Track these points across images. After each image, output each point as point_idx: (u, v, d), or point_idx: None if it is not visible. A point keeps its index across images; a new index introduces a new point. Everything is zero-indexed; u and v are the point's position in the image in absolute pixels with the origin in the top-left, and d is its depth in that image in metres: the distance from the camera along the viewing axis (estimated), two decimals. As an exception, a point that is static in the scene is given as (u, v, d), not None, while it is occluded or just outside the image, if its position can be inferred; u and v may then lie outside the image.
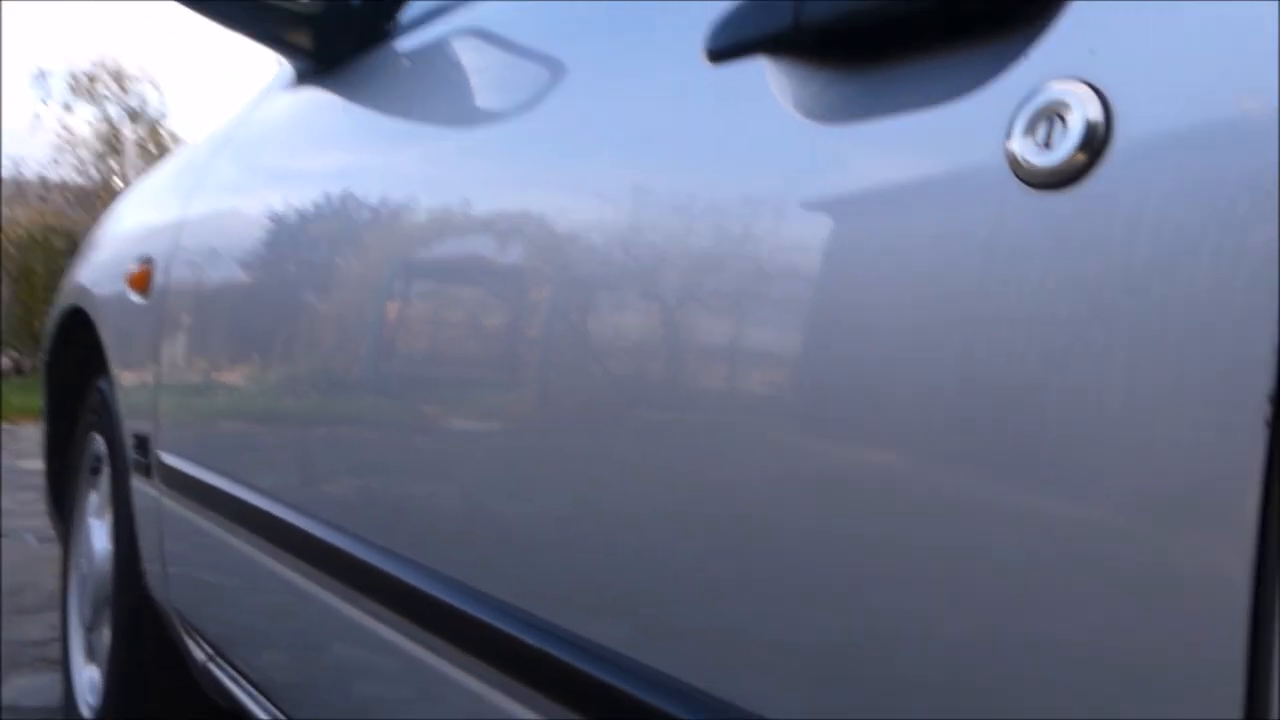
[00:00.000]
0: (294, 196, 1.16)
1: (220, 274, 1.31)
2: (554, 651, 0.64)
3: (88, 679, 1.76)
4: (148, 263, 1.50)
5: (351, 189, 1.03)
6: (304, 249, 1.11)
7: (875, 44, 0.53)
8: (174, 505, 1.32)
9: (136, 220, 1.73)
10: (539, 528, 0.70)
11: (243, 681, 1.24)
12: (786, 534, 0.51)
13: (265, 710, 1.17)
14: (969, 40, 0.48)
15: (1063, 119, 0.41)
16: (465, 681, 0.74)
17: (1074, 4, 0.43)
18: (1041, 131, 0.42)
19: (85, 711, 1.69)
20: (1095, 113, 0.40)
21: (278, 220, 1.18)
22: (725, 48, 0.59)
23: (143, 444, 1.43)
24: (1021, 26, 0.45)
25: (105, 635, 1.68)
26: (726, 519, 0.55)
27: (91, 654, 1.77)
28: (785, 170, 0.54)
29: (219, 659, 1.30)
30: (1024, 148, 0.42)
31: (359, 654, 0.93)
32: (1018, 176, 0.42)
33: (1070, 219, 0.40)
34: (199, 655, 1.34)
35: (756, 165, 0.56)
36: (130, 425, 1.51)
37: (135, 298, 1.50)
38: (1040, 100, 0.42)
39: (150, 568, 1.44)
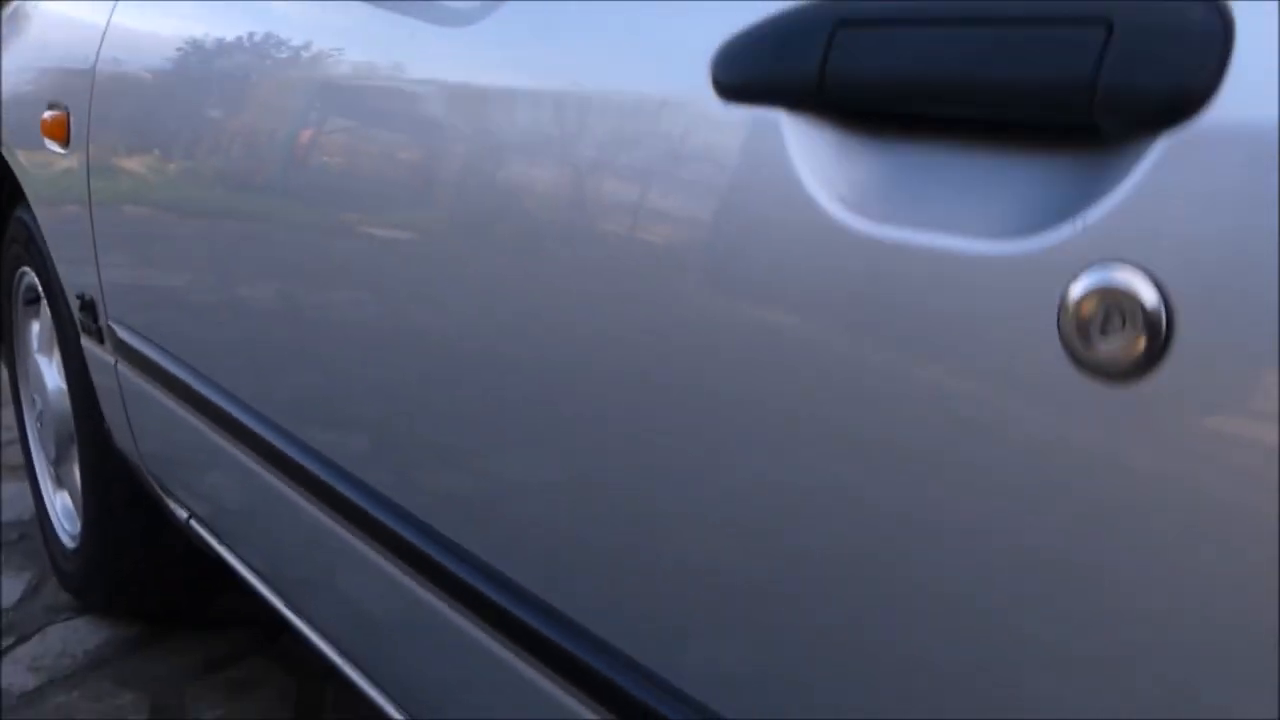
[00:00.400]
0: (235, 24, 1.06)
1: (150, 118, 1.22)
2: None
3: (60, 505, 1.79)
4: (60, 108, 1.38)
5: (293, 23, 0.96)
6: (254, 88, 1.03)
7: (913, 115, 0.49)
8: (136, 380, 1.30)
9: (46, 37, 1.57)
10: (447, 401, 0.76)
11: (224, 541, 1.28)
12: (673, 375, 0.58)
13: (244, 565, 1.22)
14: (1021, 145, 0.46)
15: (1121, 310, 0.40)
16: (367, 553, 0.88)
17: (1172, 154, 0.40)
18: (1098, 314, 0.40)
19: (66, 540, 1.73)
20: (1156, 312, 0.39)
21: (219, 54, 1.09)
22: (736, 86, 0.54)
23: (89, 308, 1.38)
24: (1083, 162, 0.43)
25: (74, 470, 1.69)
26: (618, 359, 0.61)
27: (61, 482, 1.79)
28: (788, 255, 0.52)
29: (198, 517, 1.34)
30: (1075, 327, 0.41)
31: (317, 539, 0.99)
32: (1069, 353, 0.42)
33: (1125, 417, 0.40)
34: (180, 514, 1.37)
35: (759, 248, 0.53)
36: (69, 279, 1.45)
37: (54, 147, 1.40)
38: (1095, 280, 0.40)
39: (117, 431, 1.44)
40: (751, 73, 0.53)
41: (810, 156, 0.51)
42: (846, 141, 0.51)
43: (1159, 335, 0.39)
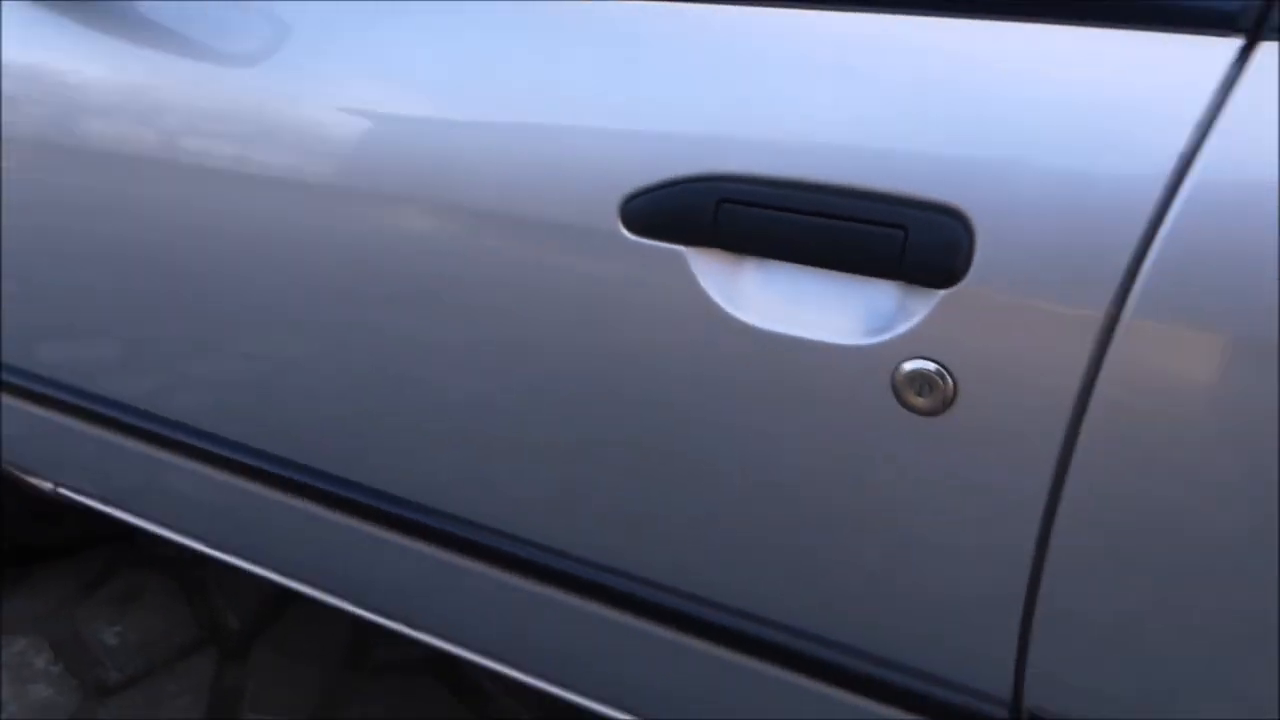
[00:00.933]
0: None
1: None
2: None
3: None
4: None
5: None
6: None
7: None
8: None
9: None
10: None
11: (90, 496, 1.45)
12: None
13: (116, 510, 1.43)
14: (860, 278, 0.76)
15: (928, 383, 0.74)
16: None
17: (945, 303, 0.72)
18: (915, 384, 0.74)
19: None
20: (949, 384, 0.73)
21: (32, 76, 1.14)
22: (644, 226, 0.80)
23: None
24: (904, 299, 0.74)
25: None
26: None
27: None
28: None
29: (64, 484, 1.47)
30: (903, 388, 0.75)
31: (169, 478, 1.28)
32: (899, 402, 0.75)
33: (932, 439, 0.75)
34: (46, 486, 1.49)
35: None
36: None
37: None
38: (915, 366, 0.74)
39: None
40: (658, 221, 0.79)
41: (709, 273, 0.79)
42: (737, 266, 0.79)
43: (949, 398, 0.73)
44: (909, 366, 0.74)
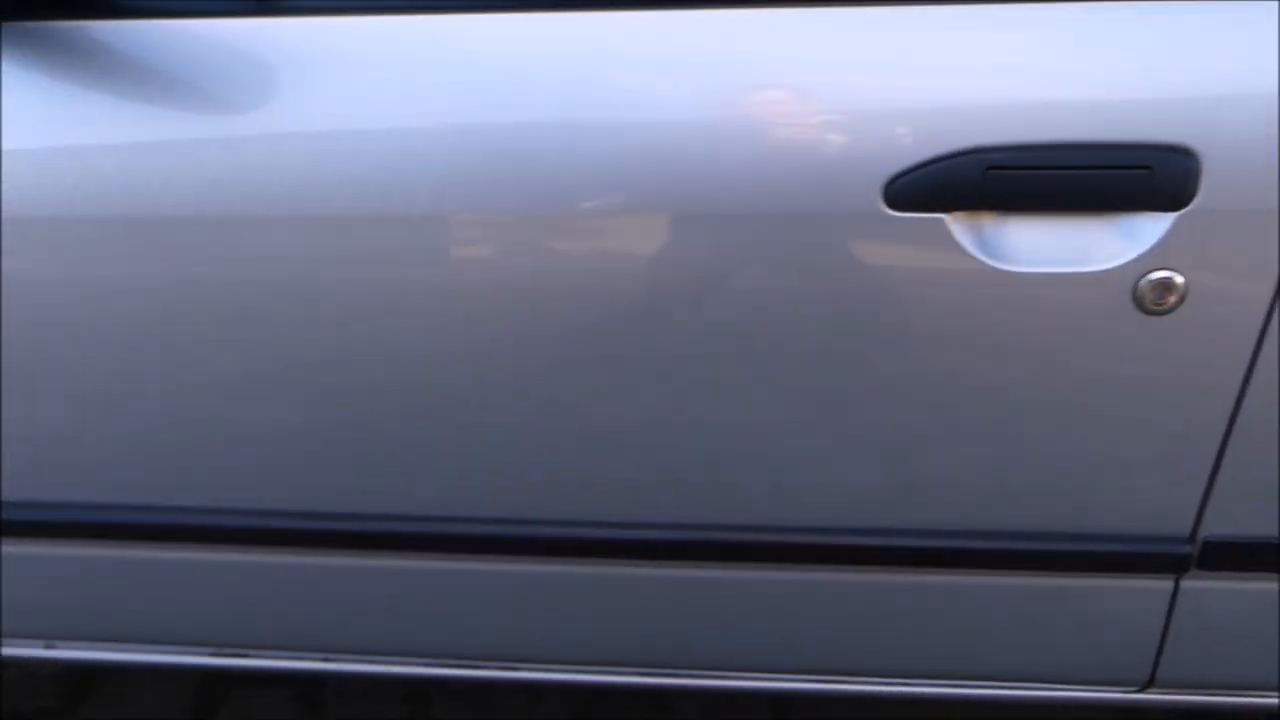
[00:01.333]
0: None
1: None
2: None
3: None
4: None
5: None
6: None
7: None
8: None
9: None
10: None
11: None
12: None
13: None
14: (1103, 217, 0.92)
15: (1167, 287, 0.92)
16: None
17: (1180, 222, 0.90)
18: (1156, 290, 0.92)
19: None
20: (1181, 284, 0.92)
21: None
22: (908, 201, 0.90)
23: None
24: (1146, 224, 0.91)
25: None
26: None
27: None
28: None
29: None
30: (1144, 296, 0.93)
31: None
32: (1138, 308, 0.93)
33: (1161, 334, 0.94)
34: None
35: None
36: None
37: None
38: (1157, 275, 0.92)
39: None
40: (923, 195, 0.90)
41: (969, 234, 0.92)
42: (996, 223, 0.92)
43: (1182, 297, 0.93)
44: (1152, 277, 0.92)
